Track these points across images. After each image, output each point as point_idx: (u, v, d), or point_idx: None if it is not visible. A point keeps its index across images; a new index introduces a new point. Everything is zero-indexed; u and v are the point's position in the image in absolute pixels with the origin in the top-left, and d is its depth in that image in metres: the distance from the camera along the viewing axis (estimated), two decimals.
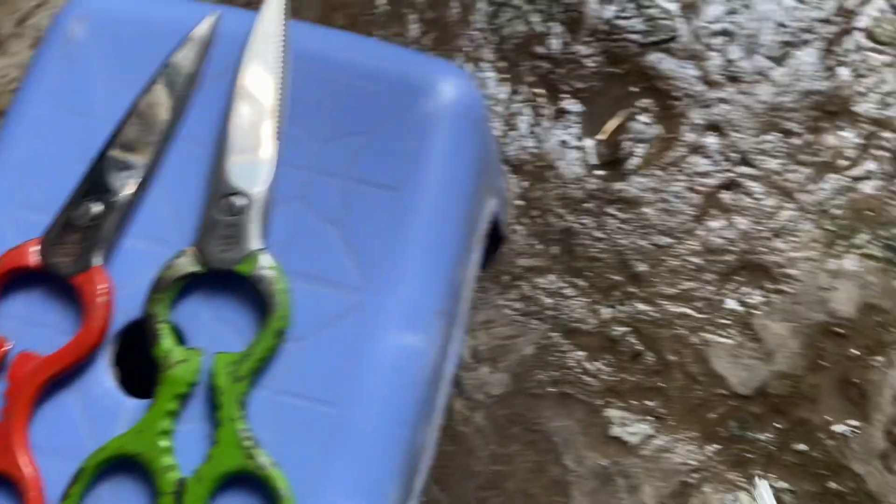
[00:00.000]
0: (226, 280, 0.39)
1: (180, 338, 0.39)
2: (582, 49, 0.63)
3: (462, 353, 0.57)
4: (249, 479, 0.36)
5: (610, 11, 0.64)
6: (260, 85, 0.41)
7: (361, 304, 0.38)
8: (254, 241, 0.39)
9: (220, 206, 0.39)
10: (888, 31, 0.62)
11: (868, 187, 0.59)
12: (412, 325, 0.38)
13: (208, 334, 0.39)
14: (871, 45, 0.62)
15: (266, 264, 0.38)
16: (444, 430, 0.56)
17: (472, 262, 0.45)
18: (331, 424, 0.36)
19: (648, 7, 0.64)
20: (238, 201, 0.39)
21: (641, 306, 0.57)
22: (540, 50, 0.64)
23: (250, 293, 0.38)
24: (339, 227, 0.39)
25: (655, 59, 0.62)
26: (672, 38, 0.63)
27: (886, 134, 0.60)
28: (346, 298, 0.38)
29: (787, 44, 0.62)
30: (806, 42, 0.62)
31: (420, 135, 0.40)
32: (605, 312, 0.57)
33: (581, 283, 0.58)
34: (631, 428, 0.55)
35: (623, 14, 0.64)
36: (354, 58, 0.42)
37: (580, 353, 0.57)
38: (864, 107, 0.61)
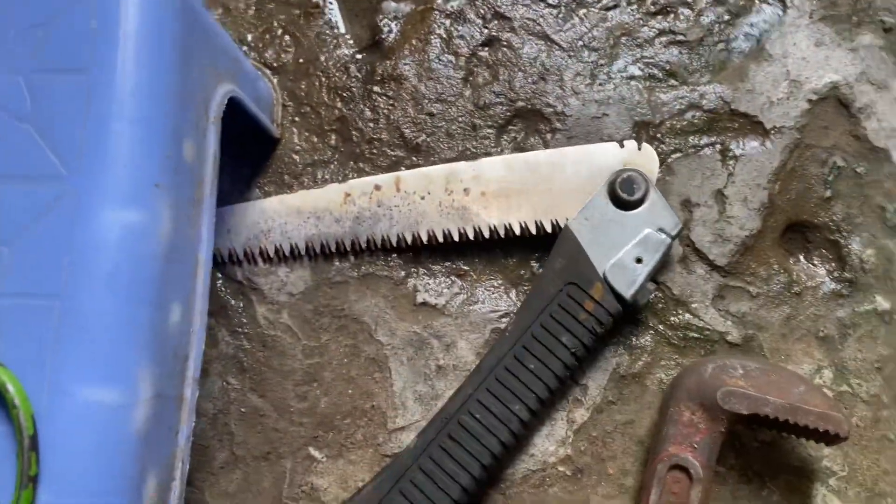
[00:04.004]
0: None
1: None
2: None
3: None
4: None
5: None
6: None
7: (68, 191, 0.36)
8: None
9: None
10: None
11: (620, 14, 0.60)
12: (129, 201, 0.37)
13: None
14: None
15: None
16: (252, 337, 0.55)
17: (209, 143, 0.43)
18: (56, 316, 0.35)
19: None
20: None
21: None
22: None
23: None
24: (30, 121, 0.37)
25: None
26: None
27: None
28: (51, 190, 0.37)
29: None
30: None
31: (104, 13, 0.39)
32: None
33: (364, 166, 0.57)
34: (437, 291, 0.55)
35: None
36: None
37: None
38: None
